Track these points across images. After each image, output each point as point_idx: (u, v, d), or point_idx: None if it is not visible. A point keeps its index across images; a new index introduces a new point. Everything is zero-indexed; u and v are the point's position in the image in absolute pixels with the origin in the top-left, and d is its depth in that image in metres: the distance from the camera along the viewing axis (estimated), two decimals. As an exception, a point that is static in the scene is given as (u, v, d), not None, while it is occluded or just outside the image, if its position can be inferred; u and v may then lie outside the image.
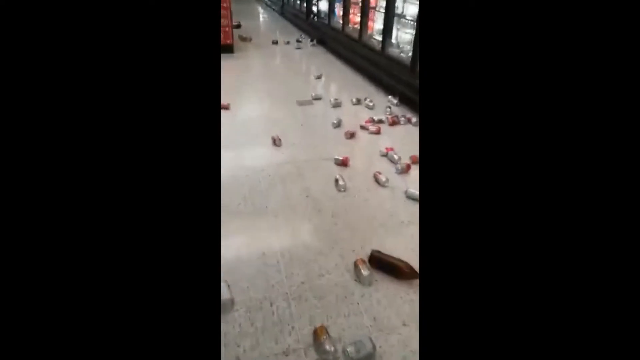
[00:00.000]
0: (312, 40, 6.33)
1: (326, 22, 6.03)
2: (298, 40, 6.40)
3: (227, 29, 5.17)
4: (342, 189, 2.17)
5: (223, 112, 3.29)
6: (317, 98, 3.72)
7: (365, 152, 2.67)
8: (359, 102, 3.62)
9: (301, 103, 3.61)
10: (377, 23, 4.46)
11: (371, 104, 3.52)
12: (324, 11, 6.34)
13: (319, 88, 4.20)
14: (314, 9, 6.72)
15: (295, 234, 1.80)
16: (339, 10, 5.66)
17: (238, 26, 7.34)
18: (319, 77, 4.48)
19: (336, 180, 2.21)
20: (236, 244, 1.71)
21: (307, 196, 2.11)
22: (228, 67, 4.79)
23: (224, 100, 3.43)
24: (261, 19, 9.83)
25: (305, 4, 7.11)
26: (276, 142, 2.71)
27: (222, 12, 5.03)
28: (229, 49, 5.36)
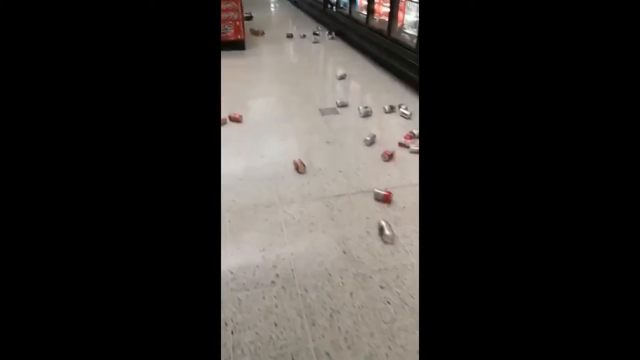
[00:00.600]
0: (330, 33, 5.76)
1: (346, 12, 5.44)
2: (315, 33, 5.84)
3: (237, 22, 4.65)
4: (389, 241, 1.67)
5: (235, 126, 2.80)
6: (343, 105, 3.19)
7: (411, 181, 2.15)
8: (392, 109, 3.08)
9: (325, 112, 3.09)
10: (409, 14, 3.88)
11: (407, 113, 2.98)
12: (344, 0, 5.74)
13: (343, 92, 3.66)
14: (332, -3, 6.12)
15: (334, 321, 1.31)
16: (361, -1, 5.07)
17: (249, 18, 6.80)
18: (342, 78, 3.94)
19: (380, 229, 1.71)
20: (256, 338, 1.23)
21: (344, 252, 1.61)
22: (239, 67, 4.29)
23: (235, 111, 2.94)
24: (273, 8, 9.23)
25: (322, -7, 6.51)
26: (299, 168, 2.21)
27: (233, 4, 4.51)
28: (241, 45, 4.85)
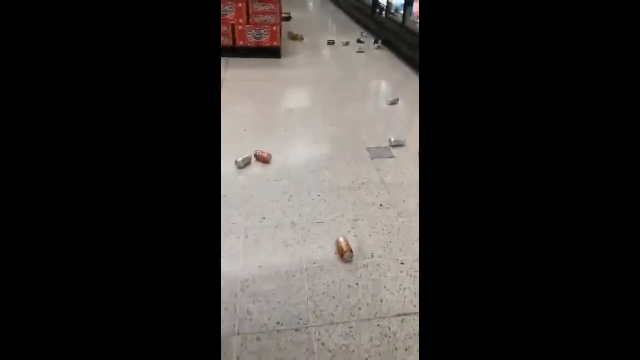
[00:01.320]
0: (376, 42, 5.05)
1: (399, 20, 4.72)
2: (359, 41, 5.16)
3: (275, 27, 4.04)
4: None
5: (261, 170, 2.19)
6: (398, 144, 2.52)
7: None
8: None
9: (374, 154, 2.43)
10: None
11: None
12: (396, 5, 5.02)
13: (396, 124, 2.98)
14: (382, 1, 5.40)
15: None
16: (418, 5, 4.34)
17: (288, 19, 6.19)
18: (393, 103, 3.25)
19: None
20: None
21: None
22: (272, 81, 3.68)
23: (263, 144, 2.34)
24: (312, 8, 8.60)
25: (370, -6, 5.80)
26: (344, 253, 1.57)
27: (270, 6, 3.91)
28: (276, 53, 4.24)
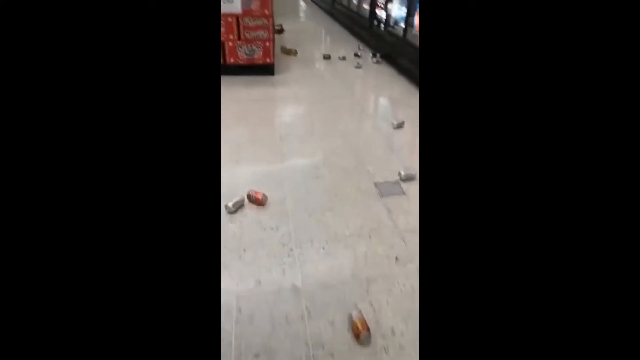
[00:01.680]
0: (374, 56, 4.81)
1: (399, 33, 4.50)
2: (356, 54, 4.91)
3: (267, 43, 3.78)
4: None
5: (254, 214, 1.89)
6: (409, 178, 2.24)
7: None
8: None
9: (384, 190, 2.15)
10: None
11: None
12: (396, 17, 4.81)
13: (405, 152, 2.70)
14: (381, 13, 5.18)
15: None
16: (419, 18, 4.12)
17: (280, 31, 5.95)
18: (399, 126, 2.98)
19: None
20: None
21: None
22: (266, 102, 3.41)
23: (257, 182, 2.05)
24: (304, 18, 8.38)
25: (367, 6, 5.58)
26: (360, 333, 1.28)
27: (263, 20, 3.64)
28: (269, 70, 3.97)
